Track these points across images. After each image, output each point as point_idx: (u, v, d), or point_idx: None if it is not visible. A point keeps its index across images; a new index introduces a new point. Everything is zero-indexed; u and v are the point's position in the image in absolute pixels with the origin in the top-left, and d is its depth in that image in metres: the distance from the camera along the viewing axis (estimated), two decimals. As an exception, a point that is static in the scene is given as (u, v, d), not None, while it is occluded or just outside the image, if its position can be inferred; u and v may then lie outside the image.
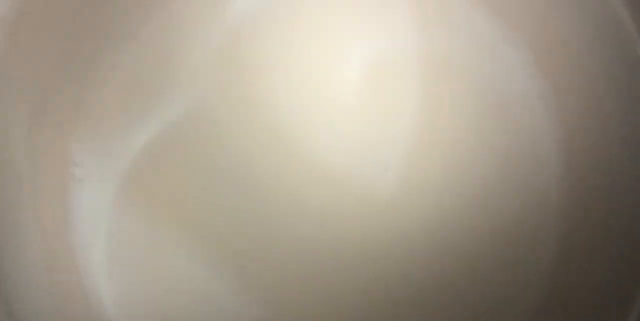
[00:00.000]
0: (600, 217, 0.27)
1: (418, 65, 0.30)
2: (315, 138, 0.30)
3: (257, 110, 0.30)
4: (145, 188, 0.30)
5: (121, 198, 0.29)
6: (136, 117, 0.30)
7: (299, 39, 0.30)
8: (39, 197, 0.27)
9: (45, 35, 0.26)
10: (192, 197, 0.29)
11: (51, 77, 0.27)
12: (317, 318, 0.29)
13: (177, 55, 0.30)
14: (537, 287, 0.28)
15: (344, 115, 0.30)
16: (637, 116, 0.25)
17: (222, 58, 0.30)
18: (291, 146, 0.30)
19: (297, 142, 0.30)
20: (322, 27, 0.30)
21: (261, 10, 0.31)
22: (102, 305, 0.28)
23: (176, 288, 0.29)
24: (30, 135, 0.26)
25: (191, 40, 0.31)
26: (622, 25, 0.25)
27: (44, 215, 0.27)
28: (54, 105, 0.28)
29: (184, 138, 0.30)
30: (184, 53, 0.30)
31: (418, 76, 0.30)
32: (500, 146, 0.29)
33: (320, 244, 0.29)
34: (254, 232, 0.29)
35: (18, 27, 0.25)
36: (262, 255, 0.29)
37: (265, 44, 0.30)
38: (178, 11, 0.31)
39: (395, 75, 0.30)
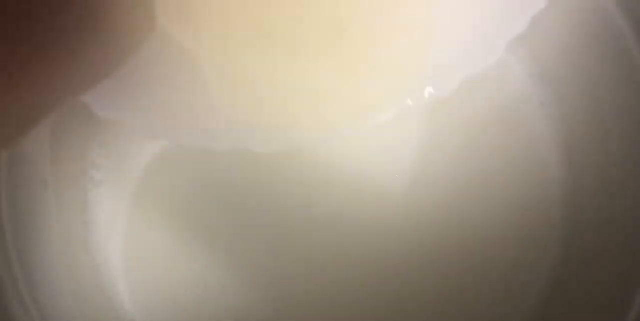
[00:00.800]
0: (601, 220, 0.27)
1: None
2: (325, 142, 0.30)
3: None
4: (162, 191, 0.30)
5: (138, 200, 0.30)
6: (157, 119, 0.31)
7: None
8: (62, 198, 0.28)
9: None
10: (207, 199, 0.30)
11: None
12: (327, 315, 0.29)
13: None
14: (538, 288, 0.29)
15: (352, 121, 0.30)
16: (636, 123, 0.25)
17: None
18: (302, 149, 0.30)
19: (308, 144, 0.30)
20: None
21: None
22: (119, 300, 0.29)
23: (190, 286, 0.29)
24: (53, 140, 0.27)
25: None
26: (621, 36, 0.25)
27: (65, 216, 0.28)
28: (74, 111, 0.28)
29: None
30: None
31: None
32: (504, 151, 0.30)
33: (331, 246, 0.30)
34: (267, 233, 0.30)
35: None
36: (275, 255, 0.30)
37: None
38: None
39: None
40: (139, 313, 0.29)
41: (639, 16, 0.24)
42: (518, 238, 0.29)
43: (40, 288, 0.25)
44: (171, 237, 0.30)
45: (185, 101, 0.24)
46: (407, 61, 0.26)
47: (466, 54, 0.25)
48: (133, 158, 0.31)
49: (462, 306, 0.29)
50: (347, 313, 0.29)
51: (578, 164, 0.29)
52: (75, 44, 0.17)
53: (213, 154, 0.30)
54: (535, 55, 0.30)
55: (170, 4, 0.22)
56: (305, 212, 0.30)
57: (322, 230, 0.30)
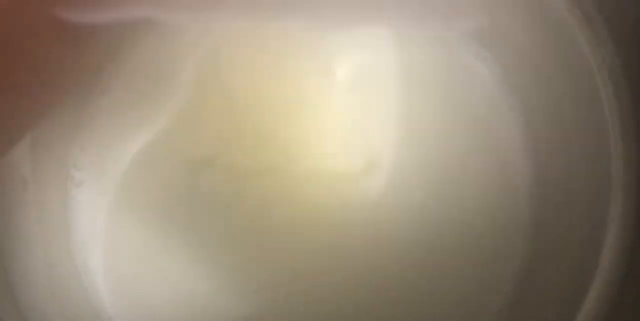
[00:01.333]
0: (564, 215, 0.28)
1: (397, 80, 0.32)
2: (301, 144, 0.31)
3: (244, 115, 0.31)
4: (141, 191, 0.31)
5: (118, 201, 0.31)
6: (133, 124, 0.31)
7: (289, 53, 0.32)
8: (42, 198, 0.28)
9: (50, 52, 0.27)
10: (186, 199, 0.31)
11: (54, 86, 0.28)
12: (305, 313, 0.30)
13: (167, 70, 0.31)
14: (509, 283, 0.30)
15: (330, 124, 0.31)
16: (594, 127, 0.26)
17: (212, 68, 0.32)
18: (279, 150, 0.31)
19: (285, 146, 0.31)
20: (311, 43, 0.32)
21: (251, 29, 0.32)
22: (100, 299, 0.29)
23: (169, 285, 0.30)
24: (34, 140, 0.27)
25: (179, 56, 0.32)
26: (579, 47, 0.26)
27: (46, 215, 0.28)
28: (56, 113, 0.29)
29: (177, 143, 0.31)
30: (173, 68, 0.32)
31: (397, 89, 0.32)
32: (474, 153, 0.31)
33: (309, 246, 0.30)
34: (245, 233, 0.30)
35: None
36: (254, 256, 0.30)
37: (255, 56, 0.32)
38: (164, 36, 0.32)
39: (376, 88, 0.32)
40: (117, 312, 0.30)
41: (596, 27, 0.26)
42: (488, 233, 0.30)
43: (19, 286, 0.25)
44: (149, 238, 0.30)
45: None
46: None
47: None
48: (113, 160, 0.31)
49: (441, 297, 0.30)
50: (327, 312, 0.30)
51: (542, 165, 0.31)
52: None
53: (192, 158, 0.31)
54: (502, 63, 0.31)
55: None
56: (283, 213, 0.31)
57: (300, 231, 0.30)
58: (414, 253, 0.30)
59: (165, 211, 0.31)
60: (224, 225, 0.31)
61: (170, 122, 0.31)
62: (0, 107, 0.22)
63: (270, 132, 0.31)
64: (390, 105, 0.32)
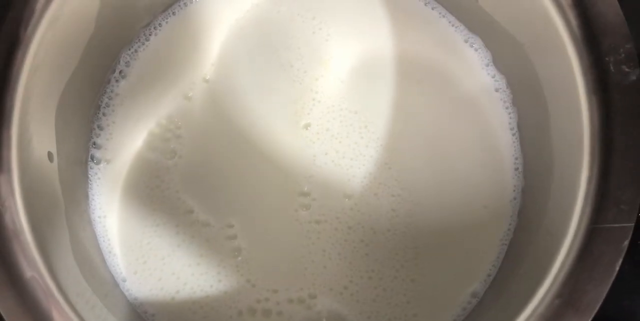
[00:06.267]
0: (546, 186, 0.29)
1: (392, 65, 0.34)
2: (299, 129, 0.33)
3: (243, 104, 0.33)
4: (153, 168, 0.33)
5: (132, 177, 0.32)
6: (148, 107, 0.33)
7: (292, 41, 0.34)
8: (66, 172, 0.30)
9: (72, 33, 0.28)
10: (195, 174, 0.33)
11: (75, 69, 0.29)
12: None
13: (181, 55, 0.33)
14: (496, 249, 0.32)
15: (327, 110, 0.33)
16: (570, 101, 0.27)
17: (224, 52, 0.34)
18: (281, 130, 0.33)
19: (285, 128, 0.33)
20: (311, 35, 0.34)
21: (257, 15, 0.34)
22: (116, 263, 0.32)
23: (175, 247, 0.32)
24: (57, 117, 0.29)
25: (198, 40, 0.34)
26: (558, 33, 0.27)
27: (69, 187, 0.30)
28: (77, 95, 0.31)
29: (190, 122, 0.33)
30: (186, 53, 0.34)
31: (392, 75, 0.33)
32: (465, 130, 0.33)
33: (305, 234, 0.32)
34: (245, 209, 0.32)
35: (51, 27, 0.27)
36: (250, 225, 0.32)
37: (257, 44, 0.34)
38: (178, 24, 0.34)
39: (372, 75, 0.33)
40: (130, 275, 0.32)
41: (572, 21, 0.27)
42: (477, 204, 0.32)
43: (51, 251, 0.26)
44: (162, 209, 0.32)
45: None
46: None
47: None
48: (130, 138, 0.33)
49: (431, 262, 0.32)
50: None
51: (526, 140, 0.32)
52: None
53: (202, 139, 0.33)
54: (492, 49, 0.33)
55: None
56: (289, 200, 0.32)
57: (294, 217, 0.32)
58: (407, 221, 0.32)
59: (176, 185, 0.33)
60: (223, 203, 0.32)
61: (183, 103, 0.33)
62: None
63: (268, 116, 0.33)
64: (385, 90, 0.33)
